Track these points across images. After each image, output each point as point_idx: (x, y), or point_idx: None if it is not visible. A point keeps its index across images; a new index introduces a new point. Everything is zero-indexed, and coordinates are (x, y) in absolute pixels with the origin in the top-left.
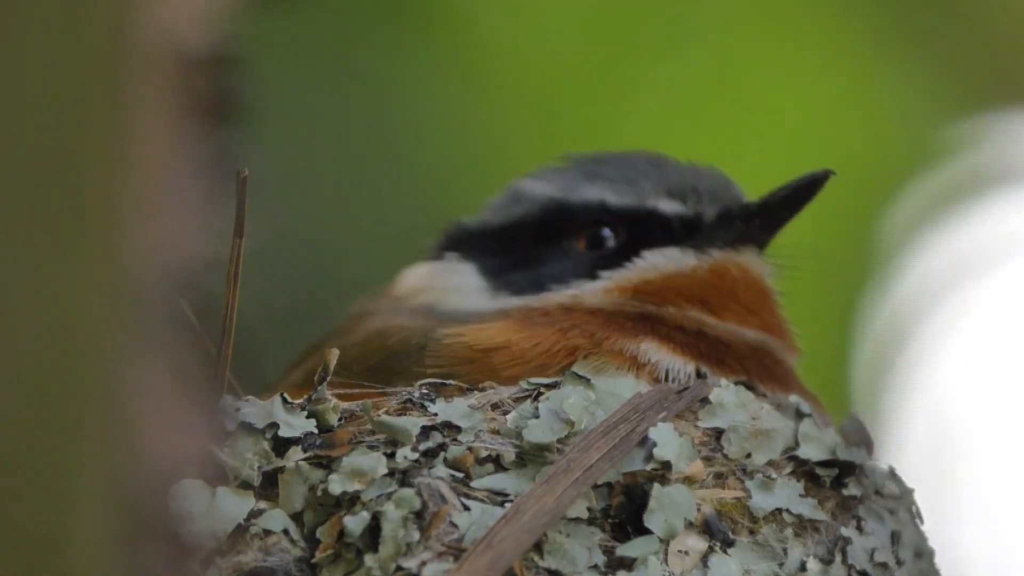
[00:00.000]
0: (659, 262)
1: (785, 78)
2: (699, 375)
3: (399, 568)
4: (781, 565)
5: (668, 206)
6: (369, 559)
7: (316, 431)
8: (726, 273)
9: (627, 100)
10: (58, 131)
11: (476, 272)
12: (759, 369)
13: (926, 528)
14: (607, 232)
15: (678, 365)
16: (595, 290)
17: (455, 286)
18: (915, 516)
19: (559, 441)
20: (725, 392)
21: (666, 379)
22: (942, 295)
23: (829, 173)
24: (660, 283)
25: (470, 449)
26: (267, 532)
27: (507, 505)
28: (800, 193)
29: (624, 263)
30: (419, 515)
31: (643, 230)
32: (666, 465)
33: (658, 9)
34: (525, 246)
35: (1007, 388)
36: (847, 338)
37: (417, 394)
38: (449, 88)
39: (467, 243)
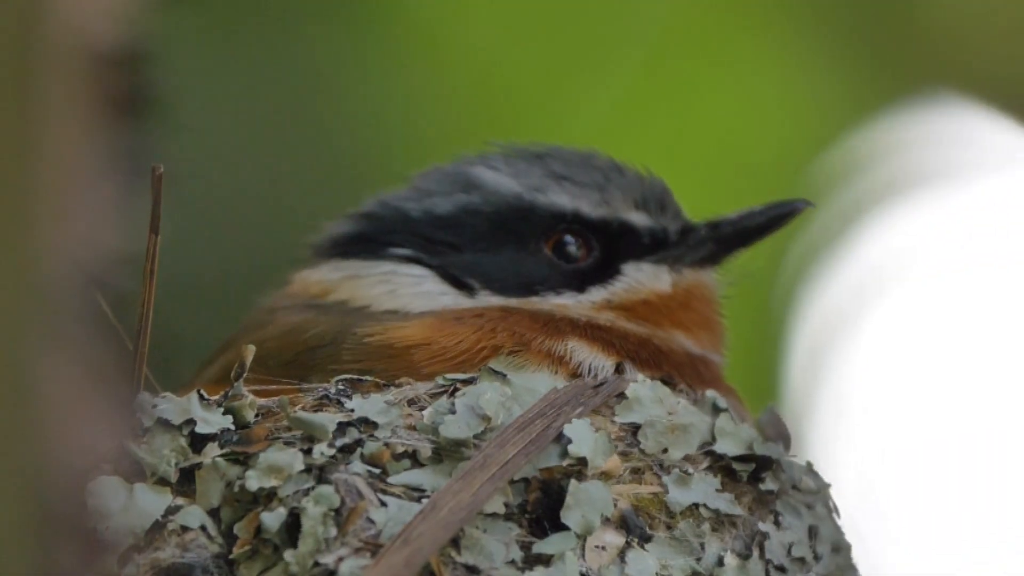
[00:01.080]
0: (640, 278)
1: (720, 78)
2: (618, 370)
3: (316, 564)
4: (699, 560)
5: (637, 218)
6: (288, 555)
7: (233, 427)
8: (696, 294)
9: (569, 94)
10: None
11: (434, 275)
12: (694, 376)
13: (846, 524)
14: (575, 240)
15: (600, 361)
16: (585, 304)
17: (414, 291)
18: (832, 511)
19: (475, 437)
20: (641, 387)
21: (588, 375)
22: (873, 292)
23: (808, 205)
24: (646, 302)
25: (387, 445)
26: (184, 528)
27: (424, 501)
28: (776, 222)
29: (608, 278)
30: (336, 511)
31: (617, 242)
32: (582, 461)
33: (599, 6)
34: (482, 241)
35: (937, 383)
36: (776, 334)
37: (333, 390)
38: (369, 79)
39: (405, 233)
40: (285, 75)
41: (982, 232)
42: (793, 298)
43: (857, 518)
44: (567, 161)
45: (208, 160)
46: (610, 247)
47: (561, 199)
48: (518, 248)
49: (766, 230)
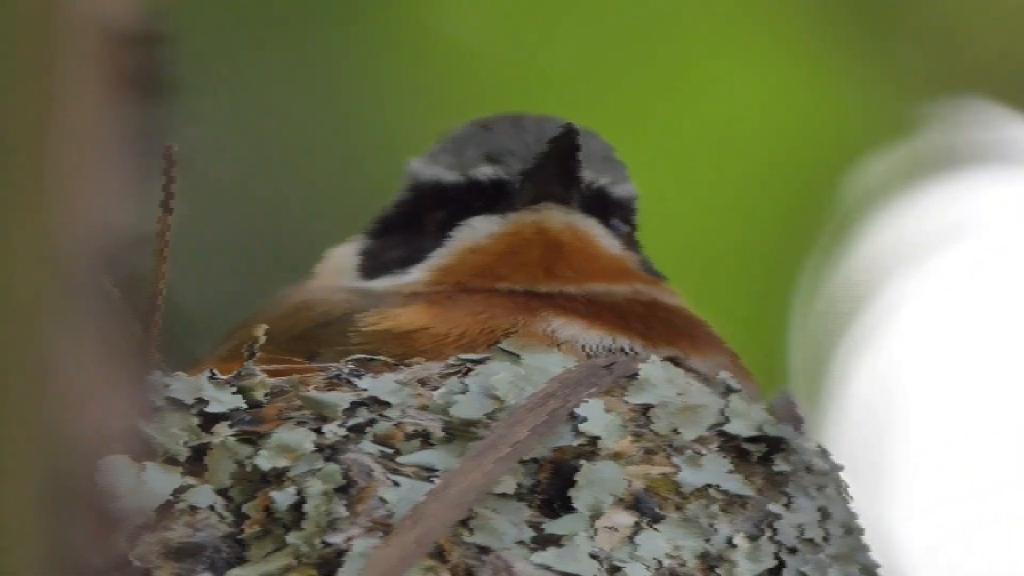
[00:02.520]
0: (463, 236)
1: (740, 57)
2: (621, 349)
3: (327, 543)
4: (709, 541)
5: (485, 172)
6: (293, 535)
7: (244, 407)
8: (517, 237)
9: (582, 86)
10: None
11: (355, 254)
12: (654, 325)
13: (860, 505)
14: (439, 211)
15: (591, 337)
16: (416, 278)
17: (342, 268)
18: (843, 492)
19: (487, 417)
20: (653, 368)
21: (581, 351)
22: (890, 273)
23: (571, 125)
24: (464, 260)
25: (398, 425)
26: (195, 508)
27: (435, 481)
28: (554, 149)
29: (439, 243)
30: (347, 491)
31: (464, 203)
32: (594, 441)
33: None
34: (398, 229)
35: (949, 369)
36: (788, 314)
37: (345, 370)
38: (384, 63)
39: (373, 224)
40: (303, 58)
41: (1002, 226)
42: (803, 287)
43: (866, 503)
44: (455, 132)
45: (225, 141)
46: (461, 209)
47: (430, 171)
48: (415, 230)
49: (558, 159)
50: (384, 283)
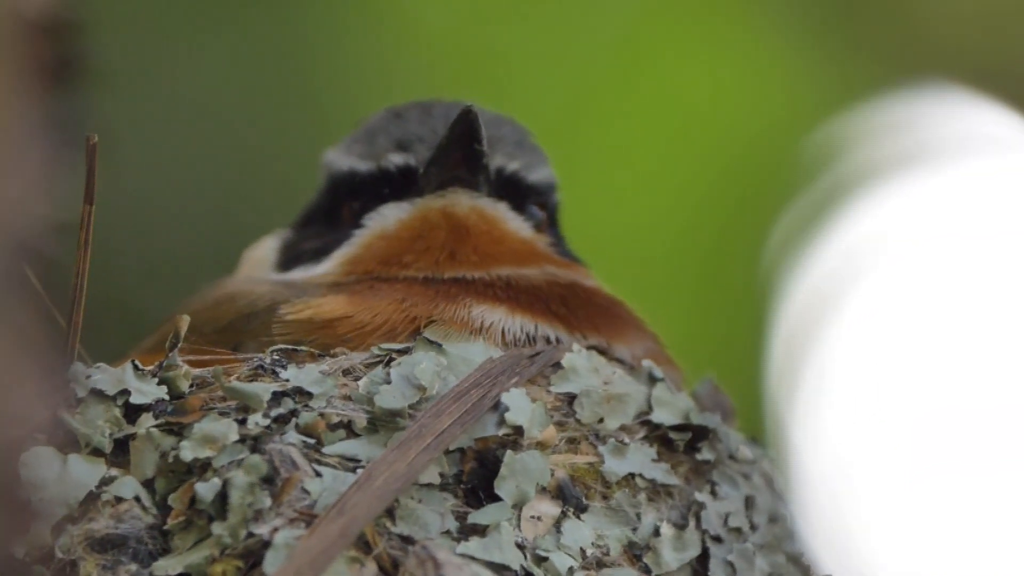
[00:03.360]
0: (374, 223)
1: (705, 57)
2: (545, 337)
3: (251, 534)
4: (635, 530)
5: (394, 160)
6: (217, 526)
7: (167, 398)
8: (426, 219)
9: (546, 69)
10: None
11: (276, 247)
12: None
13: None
14: (356, 202)
15: (514, 323)
16: (328, 268)
17: (263, 260)
18: (770, 481)
19: (411, 407)
20: (577, 357)
21: (499, 337)
22: (855, 272)
23: (469, 107)
24: (373, 248)
25: (322, 415)
26: (118, 499)
27: (359, 471)
28: (453, 132)
29: (351, 233)
30: (270, 481)
31: (377, 192)
32: (518, 430)
33: None
34: (317, 220)
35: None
36: (759, 316)
37: (268, 360)
38: (333, 44)
39: (297, 217)
40: (244, 40)
41: (965, 214)
42: (776, 279)
43: (838, 499)
44: (367, 121)
45: (147, 128)
46: (375, 198)
47: (345, 161)
48: (331, 221)
49: (458, 143)
50: (299, 274)
